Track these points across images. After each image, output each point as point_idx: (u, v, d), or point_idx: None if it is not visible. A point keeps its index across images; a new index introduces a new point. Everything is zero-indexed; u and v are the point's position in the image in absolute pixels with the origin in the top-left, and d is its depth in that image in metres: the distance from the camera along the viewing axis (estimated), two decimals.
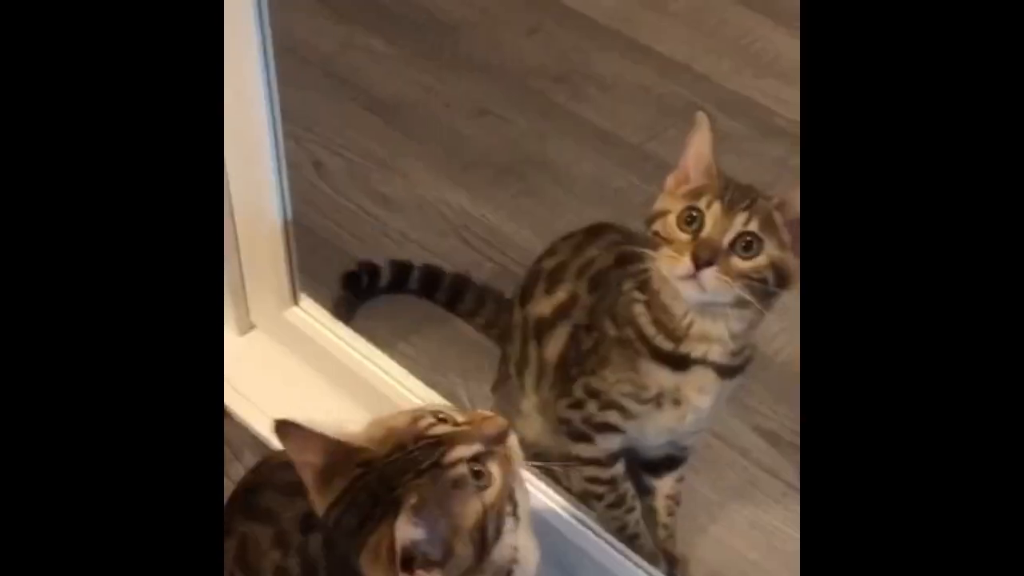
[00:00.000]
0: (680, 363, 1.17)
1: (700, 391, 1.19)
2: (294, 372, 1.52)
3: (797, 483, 1.49)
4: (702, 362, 1.17)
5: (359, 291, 1.64)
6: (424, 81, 2.11)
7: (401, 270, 1.66)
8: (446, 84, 2.11)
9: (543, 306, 1.31)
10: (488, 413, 0.98)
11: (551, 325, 1.30)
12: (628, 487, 1.32)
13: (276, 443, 1.32)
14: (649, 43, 2.20)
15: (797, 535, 1.41)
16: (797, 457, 1.51)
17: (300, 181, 1.87)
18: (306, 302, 1.53)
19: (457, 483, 0.91)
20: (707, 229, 1.09)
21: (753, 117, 2.05)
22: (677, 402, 1.20)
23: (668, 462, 1.36)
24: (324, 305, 1.55)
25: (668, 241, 1.11)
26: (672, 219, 1.12)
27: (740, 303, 1.11)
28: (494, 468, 0.93)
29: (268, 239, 1.44)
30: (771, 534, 1.44)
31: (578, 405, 1.25)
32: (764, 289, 1.11)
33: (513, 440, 0.96)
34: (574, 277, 1.29)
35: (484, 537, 0.92)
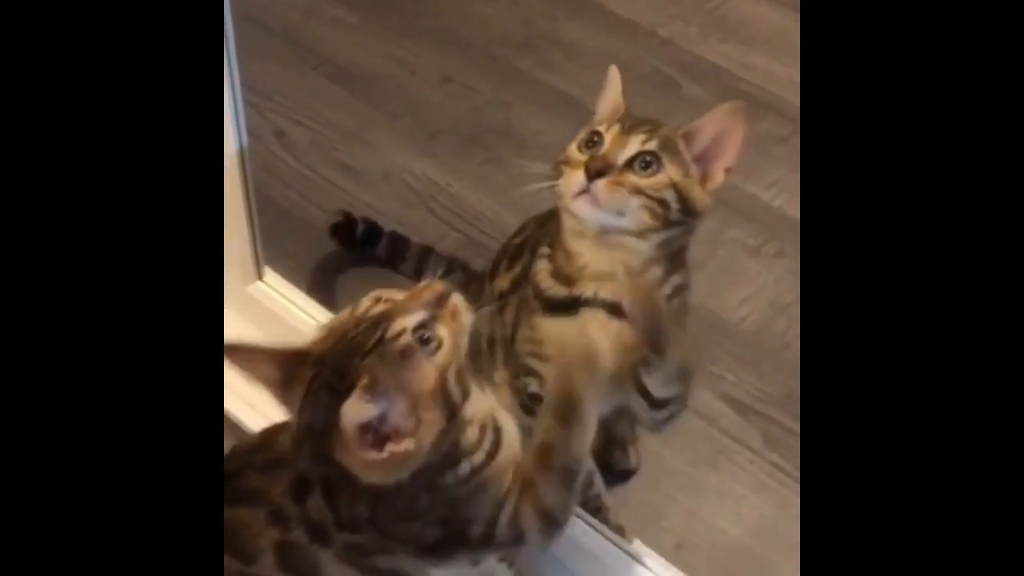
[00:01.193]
0: (570, 307, 1.14)
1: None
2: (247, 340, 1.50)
3: (764, 451, 1.50)
4: (591, 302, 1.13)
5: (345, 241, 1.67)
6: (388, 50, 2.09)
7: (373, 231, 1.67)
8: (410, 52, 2.09)
9: (504, 280, 1.30)
10: (426, 283, 0.97)
11: (507, 298, 1.29)
12: None
13: (247, 425, 1.34)
14: (614, 8, 2.19)
15: (764, 502, 1.44)
16: (764, 425, 1.52)
17: (262, 151, 1.86)
18: (271, 276, 1.52)
19: (405, 353, 0.91)
20: (604, 147, 1.09)
21: (718, 82, 2.04)
22: None
23: None
24: (289, 279, 1.54)
25: (568, 166, 1.10)
26: (574, 145, 1.12)
27: (641, 231, 1.08)
28: (441, 330, 0.93)
29: (230, 211, 1.43)
30: (738, 502, 1.45)
31: (516, 377, 1.25)
32: (666, 214, 1.08)
33: (457, 297, 0.96)
34: (531, 251, 1.28)
35: (448, 398, 0.92)
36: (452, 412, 0.93)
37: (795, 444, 1.50)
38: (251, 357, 0.94)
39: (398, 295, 0.97)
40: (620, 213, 1.07)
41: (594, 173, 1.06)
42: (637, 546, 1.31)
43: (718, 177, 1.11)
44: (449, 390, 0.92)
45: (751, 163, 1.88)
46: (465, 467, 0.98)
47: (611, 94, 1.17)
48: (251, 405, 1.37)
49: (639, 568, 1.26)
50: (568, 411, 0.98)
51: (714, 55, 2.10)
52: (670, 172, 1.08)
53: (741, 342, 1.62)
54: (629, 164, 1.07)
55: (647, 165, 1.07)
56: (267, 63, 1.99)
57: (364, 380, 0.88)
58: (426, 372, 0.91)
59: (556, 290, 1.14)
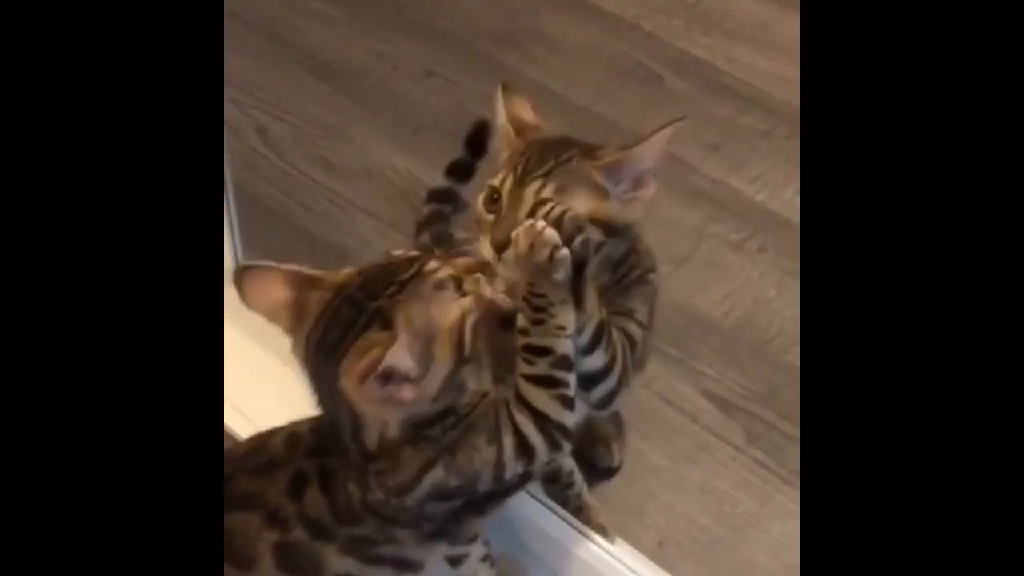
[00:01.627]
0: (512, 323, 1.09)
1: None
2: (242, 351, 1.48)
3: (746, 447, 1.49)
4: None
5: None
6: (370, 44, 2.08)
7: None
8: (393, 47, 2.08)
9: None
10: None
11: None
12: (562, 464, 1.30)
13: (240, 435, 1.33)
14: (598, 2, 2.17)
15: (747, 498, 1.44)
16: (746, 421, 1.52)
17: (243, 148, 1.85)
18: None
19: (439, 285, 0.94)
20: (504, 208, 1.07)
21: (701, 75, 2.04)
22: None
23: None
24: None
25: (479, 224, 1.10)
26: (480, 201, 1.11)
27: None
28: (469, 285, 0.96)
29: None
30: (720, 498, 1.45)
31: None
32: (594, 244, 1.06)
33: (483, 278, 0.98)
34: None
35: (461, 343, 0.94)
36: (459, 360, 0.94)
37: (777, 440, 1.50)
38: (260, 275, 0.97)
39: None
40: None
41: (501, 247, 1.04)
42: (619, 545, 1.31)
43: (651, 188, 1.10)
44: (464, 335, 0.94)
45: (734, 157, 1.87)
46: (451, 419, 0.98)
47: (500, 115, 1.15)
48: (245, 416, 1.36)
49: (621, 568, 1.26)
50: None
51: (697, 48, 2.09)
52: (578, 209, 1.04)
53: (723, 337, 1.62)
54: (530, 217, 1.03)
55: (549, 214, 1.04)
56: (248, 58, 1.98)
57: (402, 321, 0.90)
58: (451, 310, 0.94)
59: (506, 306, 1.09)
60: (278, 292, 0.97)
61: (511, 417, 0.99)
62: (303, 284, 0.96)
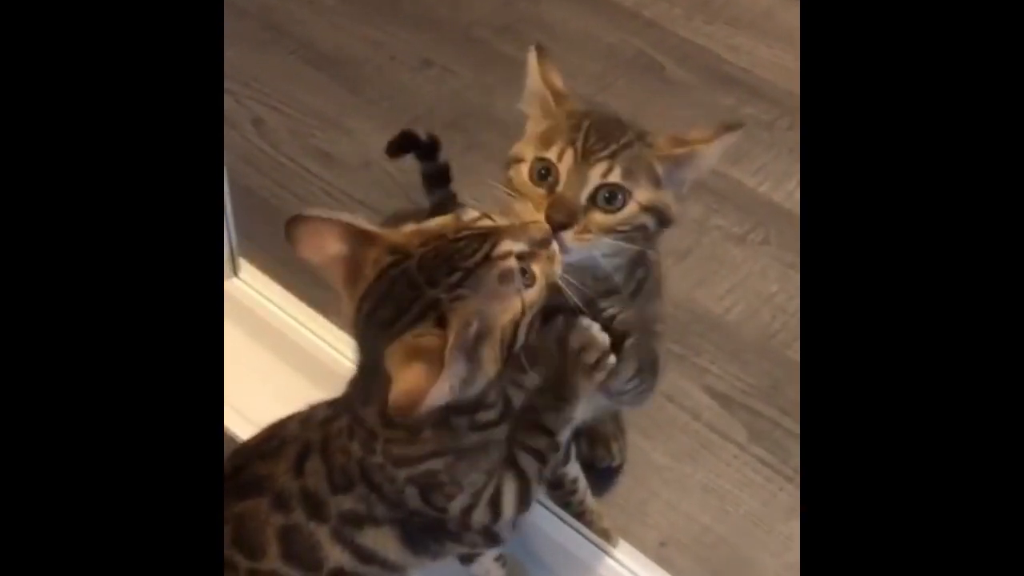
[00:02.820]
0: (546, 316, 1.02)
1: None
2: (238, 347, 1.47)
3: (749, 445, 1.48)
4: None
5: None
6: (367, 33, 2.06)
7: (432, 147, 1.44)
8: (390, 36, 2.05)
9: None
10: (533, 220, 0.95)
11: None
12: (566, 471, 1.28)
13: (229, 430, 1.32)
14: None
15: (749, 498, 1.43)
16: (748, 418, 1.51)
17: (239, 139, 1.83)
18: (247, 271, 1.49)
19: (504, 277, 0.87)
20: (561, 185, 0.99)
21: (704, 65, 2.02)
22: None
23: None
24: (266, 272, 1.51)
25: (522, 195, 1.01)
26: (524, 171, 1.01)
27: (615, 252, 1.01)
28: (537, 269, 0.90)
29: None
30: (723, 497, 1.43)
31: None
32: (644, 234, 1.02)
33: (555, 247, 0.93)
34: None
35: (514, 342, 0.89)
36: (508, 359, 0.90)
37: (780, 437, 1.49)
38: (315, 227, 0.90)
39: (501, 219, 0.93)
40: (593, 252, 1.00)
41: (558, 225, 0.96)
42: (622, 547, 1.30)
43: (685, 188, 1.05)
44: (518, 333, 0.89)
45: (736, 149, 1.84)
46: (478, 417, 0.96)
47: (532, 81, 1.08)
48: (245, 416, 1.35)
49: (623, 571, 1.24)
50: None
51: (699, 37, 2.07)
52: (639, 197, 0.99)
53: (726, 333, 1.60)
54: (592, 199, 0.99)
55: (611, 198, 0.99)
56: (243, 48, 1.96)
57: (456, 320, 0.84)
58: (512, 306, 0.88)
59: None
60: (333, 246, 0.90)
61: (503, 472, 1.01)
62: (359, 239, 0.90)
